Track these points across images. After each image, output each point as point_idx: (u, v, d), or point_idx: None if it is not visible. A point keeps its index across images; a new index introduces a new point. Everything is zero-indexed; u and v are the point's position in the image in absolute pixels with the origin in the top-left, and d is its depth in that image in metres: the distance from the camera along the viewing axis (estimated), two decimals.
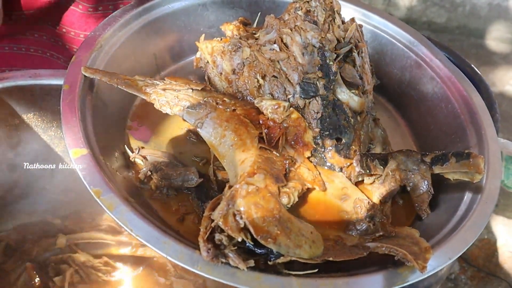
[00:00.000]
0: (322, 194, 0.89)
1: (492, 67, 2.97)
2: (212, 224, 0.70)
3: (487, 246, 2.22)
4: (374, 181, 0.93)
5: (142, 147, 0.95)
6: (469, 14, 3.08)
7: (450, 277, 2.11)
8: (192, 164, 0.94)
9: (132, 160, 0.94)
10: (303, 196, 0.88)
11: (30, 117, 1.05)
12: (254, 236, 0.69)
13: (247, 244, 0.72)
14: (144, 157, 0.93)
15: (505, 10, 3.04)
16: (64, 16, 1.22)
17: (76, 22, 1.23)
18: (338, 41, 0.96)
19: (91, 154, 0.81)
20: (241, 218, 0.70)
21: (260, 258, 0.73)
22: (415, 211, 0.91)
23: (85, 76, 0.91)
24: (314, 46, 0.93)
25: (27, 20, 1.19)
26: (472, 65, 1.34)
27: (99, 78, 0.92)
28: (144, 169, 0.92)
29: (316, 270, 0.73)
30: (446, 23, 3.12)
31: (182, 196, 0.91)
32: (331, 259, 0.74)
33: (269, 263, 0.72)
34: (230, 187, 0.76)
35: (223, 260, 0.70)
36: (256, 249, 0.72)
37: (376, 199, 0.92)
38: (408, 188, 0.91)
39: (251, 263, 0.70)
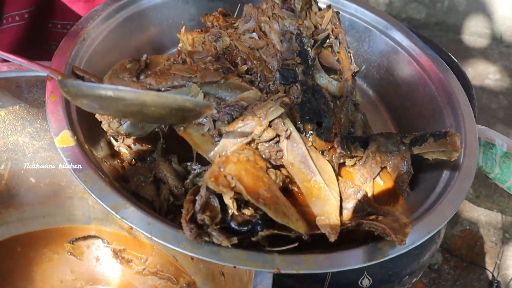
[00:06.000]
0: None
1: (471, 61, 3.00)
2: (197, 198, 0.72)
3: (469, 236, 2.24)
4: (355, 163, 0.95)
5: (127, 136, 0.97)
6: (447, 10, 3.11)
7: (434, 268, 2.13)
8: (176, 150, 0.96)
9: (117, 149, 0.95)
10: None
11: (16, 109, 1.05)
12: (245, 195, 0.71)
13: (231, 225, 0.73)
14: (129, 146, 0.95)
15: (482, 6, 3.08)
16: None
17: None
18: (316, 27, 0.98)
19: (77, 142, 0.82)
20: (232, 178, 0.72)
21: (243, 237, 0.74)
22: (396, 191, 0.93)
23: (72, 71, 0.93)
24: (292, 33, 0.95)
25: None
26: (449, 53, 1.36)
27: (88, 77, 0.93)
28: (128, 157, 0.93)
29: (297, 244, 0.75)
30: (425, 19, 3.16)
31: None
32: (318, 232, 0.77)
33: (253, 239, 0.73)
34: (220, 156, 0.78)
35: (207, 239, 0.71)
36: (240, 228, 0.74)
37: (357, 180, 0.94)
38: (389, 169, 0.93)
39: (235, 240, 0.72)
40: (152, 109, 0.71)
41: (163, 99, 0.72)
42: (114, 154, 0.94)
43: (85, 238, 1.28)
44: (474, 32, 3.14)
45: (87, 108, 0.73)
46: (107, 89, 0.69)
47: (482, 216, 2.29)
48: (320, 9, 1.02)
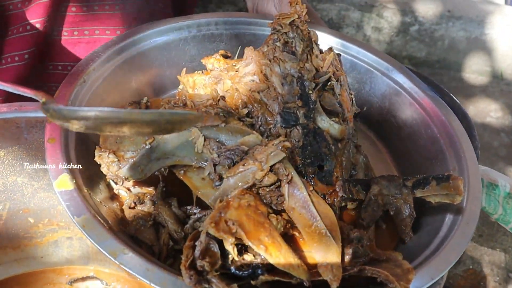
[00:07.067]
0: None
1: (472, 99, 3.01)
2: (196, 244, 0.71)
3: (472, 276, 2.22)
4: (357, 206, 0.94)
5: (126, 179, 0.96)
6: (448, 48, 3.13)
7: None
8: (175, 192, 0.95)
9: (116, 192, 0.94)
10: None
11: (15, 150, 1.05)
12: (246, 241, 0.70)
13: (232, 269, 0.72)
14: (128, 189, 0.94)
15: (483, 44, 3.10)
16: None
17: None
18: (317, 70, 0.98)
19: (75, 186, 0.82)
20: (233, 224, 0.71)
21: (243, 283, 0.73)
22: (398, 235, 0.92)
23: None
24: (293, 76, 0.95)
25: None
26: (451, 94, 1.36)
27: None
28: (128, 200, 0.92)
29: None
30: (426, 57, 3.18)
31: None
32: (320, 278, 0.75)
33: (253, 282, 0.72)
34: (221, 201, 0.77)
35: (206, 286, 0.70)
36: (240, 272, 0.72)
37: (359, 224, 0.93)
38: (391, 212, 0.92)
39: (235, 287, 0.71)
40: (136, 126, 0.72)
41: (148, 116, 0.73)
42: (113, 197, 0.93)
43: (83, 279, 1.26)
44: (475, 70, 3.16)
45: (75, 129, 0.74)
46: (88, 111, 0.70)
47: (485, 255, 2.27)
48: (321, 51, 1.02)
